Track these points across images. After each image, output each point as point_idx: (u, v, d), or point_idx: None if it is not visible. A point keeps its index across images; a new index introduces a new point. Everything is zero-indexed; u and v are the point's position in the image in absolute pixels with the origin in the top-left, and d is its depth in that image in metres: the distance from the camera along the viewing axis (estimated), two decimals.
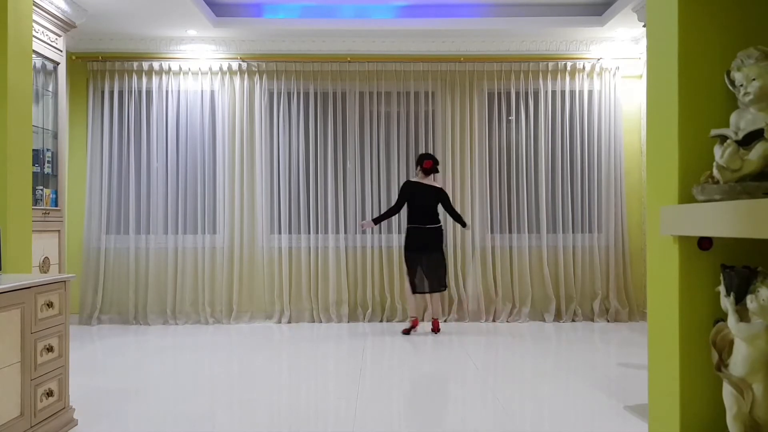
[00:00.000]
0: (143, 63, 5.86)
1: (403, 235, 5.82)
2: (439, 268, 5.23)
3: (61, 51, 4.65)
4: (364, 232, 5.82)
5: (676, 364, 1.33)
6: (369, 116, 5.96)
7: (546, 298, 5.87)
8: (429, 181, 5.26)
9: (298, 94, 5.93)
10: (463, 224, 5.35)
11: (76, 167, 5.87)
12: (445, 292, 5.64)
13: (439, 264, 5.24)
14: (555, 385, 3.64)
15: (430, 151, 5.91)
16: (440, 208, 5.32)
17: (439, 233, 5.23)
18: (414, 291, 5.22)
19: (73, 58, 5.81)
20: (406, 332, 5.21)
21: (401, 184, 5.46)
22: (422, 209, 5.19)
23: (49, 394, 2.70)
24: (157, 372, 3.99)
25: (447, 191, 5.59)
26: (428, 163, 5.22)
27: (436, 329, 5.22)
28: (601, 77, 5.97)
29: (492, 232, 5.94)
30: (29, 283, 2.53)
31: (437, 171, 5.30)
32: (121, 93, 5.92)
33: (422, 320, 5.58)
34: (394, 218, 5.82)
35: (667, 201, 1.38)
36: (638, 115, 6.01)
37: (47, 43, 4.44)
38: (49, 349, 2.70)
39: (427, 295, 5.35)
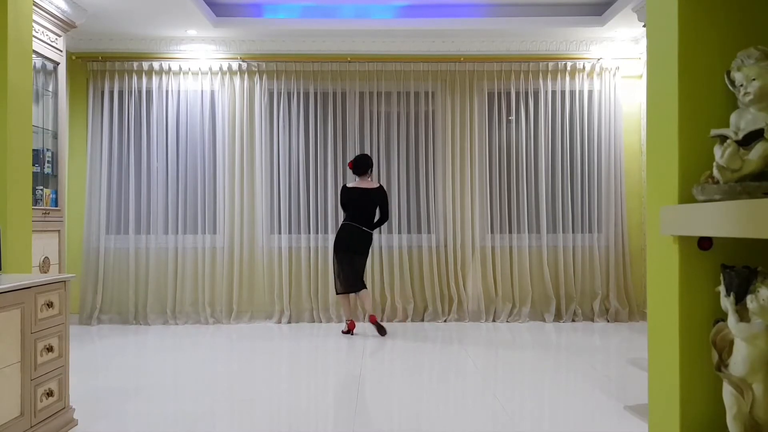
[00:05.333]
0: (143, 63, 5.86)
1: (404, 236, 5.85)
2: (355, 270, 5.23)
3: (61, 51, 4.65)
4: None
5: (676, 364, 1.33)
6: (369, 116, 5.96)
7: (546, 298, 5.87)
8: (360, 183, 5.24)
9: (298, 94, 5.93)
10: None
11: (76, 167, 5.87)
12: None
13: (355, 264, 5.24)
14: (555, 384, 3.64)
15: (430, 151, 5.92)
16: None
17: (364, 237, 5.21)
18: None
19: (73, 58, 5.81)
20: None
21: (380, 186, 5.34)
22: (354, 210, 5.21)
23: (49, 394, 2.70)
24: (157, 372, 3.99)
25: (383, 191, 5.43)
26: (350, 165, 5.28)
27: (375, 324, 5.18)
28: (601, 77, 5.97)
29: (492, 232, 5.94)
30: (29, 283, 2.53)
31: (363, 172, 5.21)
32: (121, 93, 5.92)
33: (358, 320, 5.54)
34: (394, 219, 5.86)
35: (667, 201, 1.38)
36: (638, 115, 6.01)
37: (47, 43, 4.44)
38: (49, 349, 2.70)
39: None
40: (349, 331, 5.21)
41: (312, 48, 5.92)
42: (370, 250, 5.38)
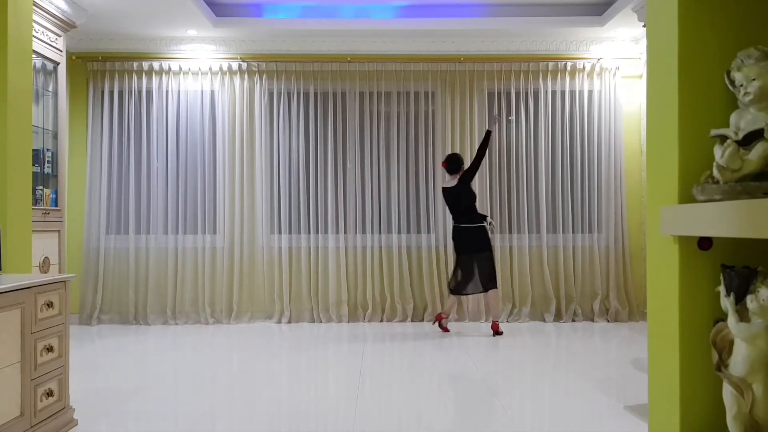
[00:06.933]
0: (143, 63, 5.86)
1: (404, 236, 5.84)
2: (472, 270, 5.17)
3: (61, 51, 4.65)
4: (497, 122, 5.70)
5: (676, 364, 1.33)
6: (369, 116, 5.96)
7: (546, 298, 5.87)
8: (448, 182, 5.28)
9: (298, 94, 5.93)
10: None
11: (76, 167, 5.87)
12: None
13: (473, 264, 5.16)
14: (555, 385, 3.64)
15: (430, 151, 5.93)
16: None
17: (467, 233, 5.16)
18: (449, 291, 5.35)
19: (73, 58, 5.81)
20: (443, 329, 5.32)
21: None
22: (450, 210, 5.31)
23: (49, 394, 2.70)
24: (157, 372, 3.99)
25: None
26: (443, 164, 5.29)
27: (494, 330, 5.19)
28: (601, 77, 5.97)
29: (492, 232, 5.92)
30: (29, 283, 2.53)
31: (454, 170, 5.20)
32: (121, 93, 5.92)
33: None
34: (394, 219, 5.87)
35: (667, 201, 1.38)
36: (638, 115, 6.01)
37: (47, 43, 4.44)
38: (49, 349, 2.70)
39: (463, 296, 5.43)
40: (437, 322, 5.30)
41: (312, 48, 5.92)
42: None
